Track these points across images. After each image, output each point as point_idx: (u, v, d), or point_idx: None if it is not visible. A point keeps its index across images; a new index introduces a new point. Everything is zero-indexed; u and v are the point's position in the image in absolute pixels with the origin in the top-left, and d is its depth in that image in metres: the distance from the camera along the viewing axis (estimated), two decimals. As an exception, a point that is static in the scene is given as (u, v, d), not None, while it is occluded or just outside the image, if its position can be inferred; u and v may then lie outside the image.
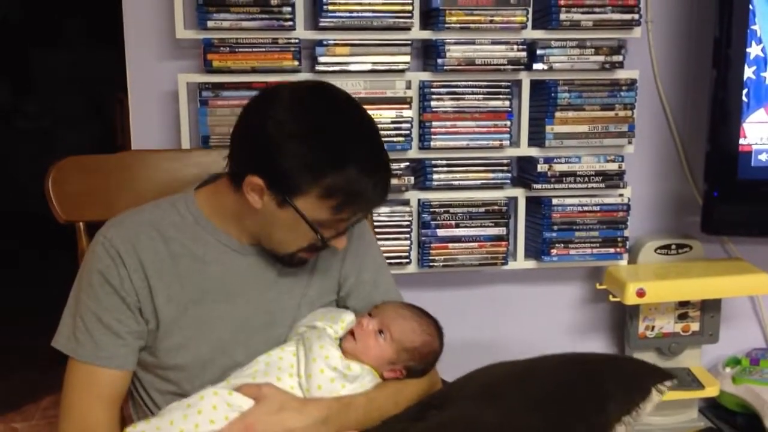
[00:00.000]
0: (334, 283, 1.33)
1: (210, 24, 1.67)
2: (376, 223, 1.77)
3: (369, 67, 1.76)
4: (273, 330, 1.26)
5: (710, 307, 1.99)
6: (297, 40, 1.72)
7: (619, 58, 1.84)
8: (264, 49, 1.71)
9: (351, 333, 1.23)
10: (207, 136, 1.71)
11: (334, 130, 1.14)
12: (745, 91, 1.76)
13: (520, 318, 2.06)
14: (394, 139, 1.78)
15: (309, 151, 1.11)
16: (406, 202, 1.85)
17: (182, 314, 1.21)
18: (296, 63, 1.72)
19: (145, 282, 1.20)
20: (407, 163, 1.82)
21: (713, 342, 2.02)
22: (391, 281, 1.39)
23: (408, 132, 1.79)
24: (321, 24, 1.72)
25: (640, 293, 1.83)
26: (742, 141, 1.77)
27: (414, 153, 1.83)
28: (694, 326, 2.01)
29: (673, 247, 1.98)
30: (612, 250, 1.91)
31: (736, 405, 1.95)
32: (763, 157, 1.79)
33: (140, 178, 1.48)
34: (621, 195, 1.90)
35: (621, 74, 1.86)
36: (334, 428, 1.15)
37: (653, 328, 1.99)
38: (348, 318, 1.25)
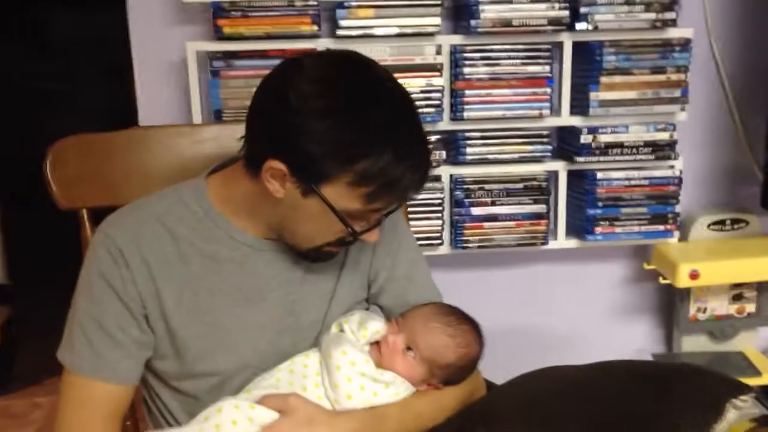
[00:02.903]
0: (365, 278, 1.19)
1: (220, -14, 1.52)
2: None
3: (395, 30, 1.60)
4: (299, 334, 1.12)
5: (767, 287, 1.83)
6: (316, 3, 1.57)
7: (672, 15, 1.66)
8: (279, 13, 1.56)
9: (377, 345, 1.09)
10: (220, 110, 1.58)
11: (369, 108, 0.98)
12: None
13: (560, 300, 1.92)
14: (424, 110, 1.63)
15: (340, 131, 0.96)
16: (438, 179, 1.71)
17: (196, 323, 1.08)
18: (315, 28, 1.57)
19: (151, 285, 1.06)
20: (438, 136, 1.67)
21: (770, 324, 1.87)
22: (427, 274, 1.24)
23: (439, 102, 1.64)
24: (342, -16, 1.57)
25: (693, 275, 1.68)
26: (810, 106, 1.60)
27: (445, 125, 1.68)
28: (750, 307, 1.85)
29: (728, 222, 1.82)
30: (662, 228, 1.75)
31: (796, 392, 1.80)
32: (834, 123, 1.62)
33: (149, 158, 1.35)
34: (672, 167, 1.74)
35: (673, 33, 1.68)
36: None
37: (705, 310, 1.84)
38: (372, 326, 1.09)
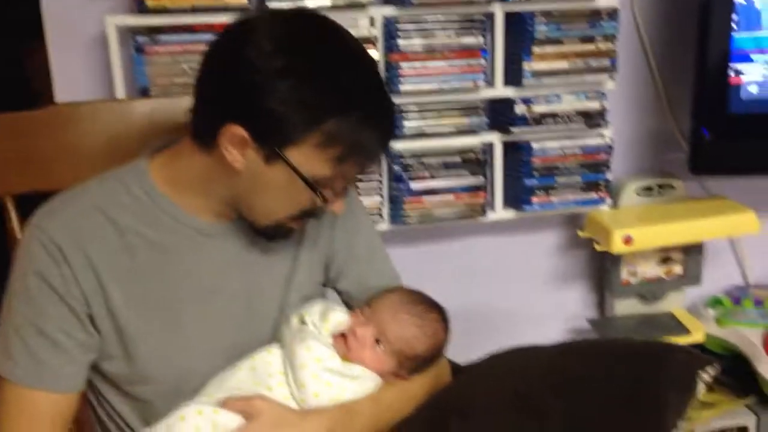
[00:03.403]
0: (322, 261, 1.14)
1: (141, -45, 1.43)
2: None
3: (328, 3, 1.55)
4: (256, 324, 1.07)
5: (693, 249, 1.90)
6: (244, -26, 1.50)
7: (599, -15, 1.68)
8: (206, -15, 1.48)
9: (343, 338, 1.04)
10: (146, 88, 1.48)
11: (336, 67, 0.92)
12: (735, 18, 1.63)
13: (498, 270, 1.93)
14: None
15: (307, 89, 0.90)
16: (374, 154, 1.68)
17: (147, 319, 1.01)
18: (244, 0, 1.50)
19: (95, 282, 0.99)
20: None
21: (696, 284, 1.94)
22: (386, 256, 1.21)
23: (374, 75, 1.60)
24: (271, -47, 1.50)
25: (627, 240, 1.72)
26: (732, 73, 1.65)
27: (382, 99, 1.64)
28: (677, 269, 1.92)
29: (656, 188, 1.88)
30: (594, 195, 1.79)
31: (722, 348, 1.88)
32: (753, 89, 1.68)
33: (77, 136, 1.26)
34: (602, 135, 1.77)
35: (601, 2, 1.70)
36: None
37: (636, 273, 1.90)
38: (335, 318, 1.05)
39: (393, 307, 1.07)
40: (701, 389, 1.07)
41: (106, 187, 1.04)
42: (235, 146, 0.94)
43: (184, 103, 1.01)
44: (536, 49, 1.66)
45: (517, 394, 1.04)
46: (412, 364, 1.08)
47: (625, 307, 1.94)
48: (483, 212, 1.74)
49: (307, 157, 0.93)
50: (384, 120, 0.98)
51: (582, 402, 1.02)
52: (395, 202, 1.69)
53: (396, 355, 1.06)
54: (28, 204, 1.10)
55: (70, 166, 1.16)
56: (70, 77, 1.54)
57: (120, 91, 1.50)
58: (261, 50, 0.91)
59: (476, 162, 1.71)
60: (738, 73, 1.66)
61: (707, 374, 1.07)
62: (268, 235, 1.04)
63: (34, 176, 1.21)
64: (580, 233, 1.84)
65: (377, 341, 1.05)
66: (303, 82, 0.91)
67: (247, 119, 0.92)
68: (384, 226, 1.71)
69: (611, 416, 1.00)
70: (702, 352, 1.84)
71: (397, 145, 1.67)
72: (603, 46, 1.70)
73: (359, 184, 1.65)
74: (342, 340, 1.04)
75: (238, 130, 0.92)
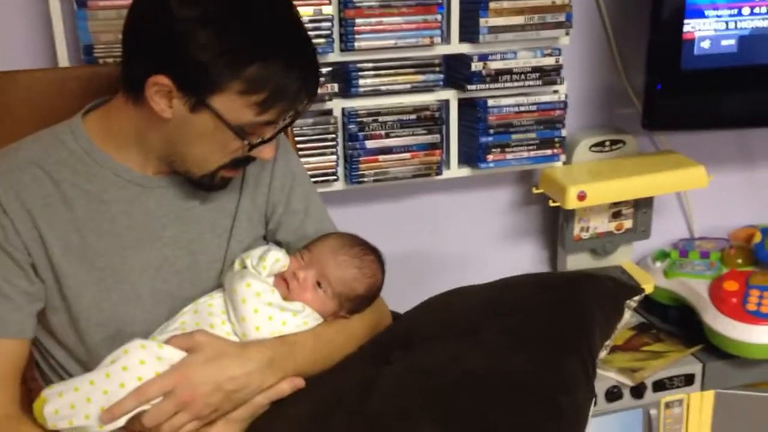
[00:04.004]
0: (262, 214, 1.16)
1: None
2: (296, 138, 1.56)
3: (279, -45, 1.49)
4: (198, 276, 1.08)
5: (643, 204, 1.94)
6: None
7: (552, -64, 1.66)
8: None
9: (284, 280, 1.06)
10: (90, 46, 1.42)
11: (254, 13, 0.93)
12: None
13: (453, 228, 1.94)
14: (314, 41, 1.53)
15: (226, 37, 0.92)
16: (329, 113, 1.64)
17: (86, 269, 1.01)
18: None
19: (35, 232, 0.99)
20: (329, 68, 1.60)
21: (645, 238, 1.99)
22: (322, 207, 1.23)
23: (329, 32, 1.57)
24: None
25: (581, 196, 1.74)
26: (685, 28, 1.66)
27: (336, 56, 1.61)
28: (627, 224, 1.96)
29: (607, 143, 1.89)
30: (549, 152, 1.79)
31: (669, 299, 1.94)
32: (705, 44, 1.70)
33: (12, 107, 1.22)
34: (556, 92, 1.77)
35: (556, -44, 1.68)
36: (281, 371, 1.00)
37: (588, 229, 1.93)
38: (272, 256, 1.07)
39: (333, 250, 1.10)
40: (627, 315, 1.14)
41: (41, 144, 1.04)
42: (162, 97, 0.95)
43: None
44: (493, 5, 1.64)
45: (454, 321, 1.09)
46: (352, 305, 1.11)
47: (576, 261, 1.97)
48: (438, 170, 1.73)
49: (231, 104, 0.95)
50: (305, 63, 0.98)
51: (514, 320, 1.07)
52: (351, 162, 1.67)
53: (336, 297, 1.08)
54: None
55: (6, 135, 1.11)
56: (6, 37, 1.46)
57: (61, 51, 1.43)
58: (180, 0, 0.92)
59: (432, 120, 1.69)
60: (691, 28, 1.67)
61: (633, 301, 1.14)
62: (205, 185, 1.05)
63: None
64: (535, 190, 1.85)
65: (318, 284, 1.07)
66: (220, 30, 0.92)
67: (171, 69, 0.93)
68: (339, 185, 1.69)
69: (542, 330, 1.05)
70: (648, 303, 1.94)
71: (352, 104, 1.64)
72: (559, 0, 1.69)
73: (313, 143, 1.63)
74: (283, 283, 1.06)
75: (163, 80, 0.93)
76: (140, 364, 0.94)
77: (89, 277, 1.01)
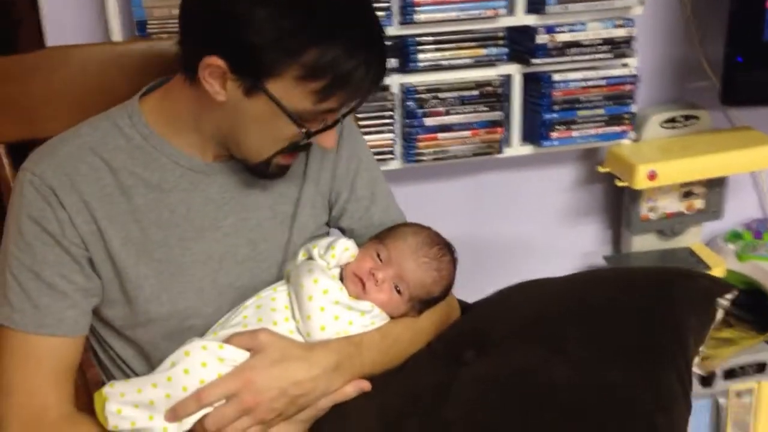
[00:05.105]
0: (326, 199, 1.10)
1: None
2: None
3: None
4: (260, 265, 1.03)
5: (716, 182, 1.84)
6: None
7: None
8: None
9: (358, 277, 0.99)
10: (144, 22, 1.38)
11: None
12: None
13: (513, 207, 1.87)
14: (372, 13, 1.48)
15: (284, 18, 0.85)
16: (386, 88, 1.58)
17: (146, 261, 0.97)
18: None
19: (93, 225, 0.95)
20: (387, 43, 1.53)
21: (717, 218, 1.89)
22: (388, 192, 1.16)
23: (387, 4, 1.49)
24: None
25: (652, 176, 1.65)
26: (770, -3, 1.55)
27: (395, 29, 1.54)
28: (699, 204, 1.86)
29: (680, 119, 1.79)
30: (618, 129, 1.70)
31: (742, 282, 1.84)
32: (791, 14, 1.58)
33: (66, 83, 1.18)
34: (626, 65, 1.67)
35: None
36: (348, 374, 0.96)
37: (656, 209, 1.83)
38: (341, 245, 1.01)
39: (412, 249, 1.02)
40: (720, 316, 1.04)
41: (98, 129, 0.99)
42: (216, 78, 0.90)
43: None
44: (560, -28, 1.55)
45: (530, 323, 1.02)
46: (424, 306, 1.05)
47: (642, 243, 1.88)
48: (500, 149, 1.66)
49: (288, 91, 0.89)
50: (370, 49, 0.90)
51: (601, 326, 0.99)
52: (408, 140, 1.61)
53: (412, 299, 1.02)
54: (21, 154, 1.04)
55: (61, 114, 1.09)
56: (61, 16, 1.43)
57: (115, 28, 1.40)
58: None
59: (494, 96, 1.62)
60: (776, -3, 1.56)
61: (726, 300, 1.05)
62: (260, 173, 1.00)
63: (25, 125, 1.14)
64: (600, 168, 1.76)
65: (396, 287, 1.00)
66: (279, 10, 0.85)
67: (225, 50, 0.88)
68: (396, 164, 1.64)
69: (634, 339, 0.97)
70: None
71: (411, 79, 1.58)
72: (631, -32, 1.59)
73: (370, 121, 1.57)
74: (356, 279, 1.00)
75: (217, 61, 0.88)
76: (202, 366, 0.91)
77: (149, 270, 0.97)
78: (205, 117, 0.96)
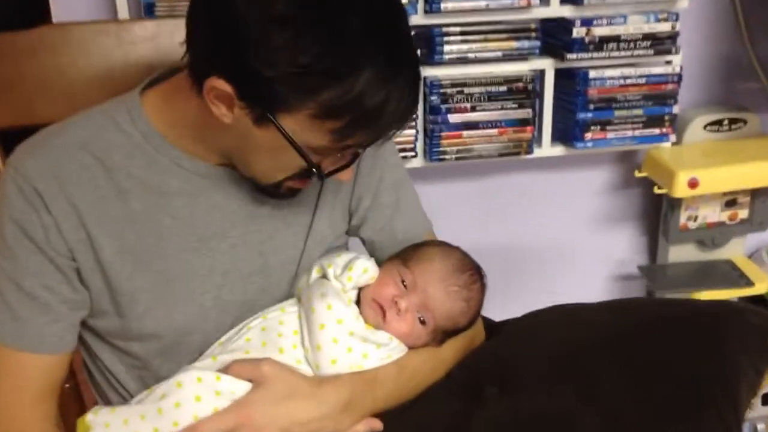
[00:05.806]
0: (346, 207, 0.99)
1: None
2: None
3: None
4: (269, 280, 0.93)
5: (762, 192, 1.71)
6: None
7: None
8: None
9: (378, 304, 0.89)
10: (151, 4, 1.32)
11: (340, 13, 0.74)
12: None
13: (542, 210, 1.77)
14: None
15: (300, 47, 0.73)
16: (409, 81, 1.49)
17: (142, 272, 0.88)
18: None
19: (82, 232, 0.86)
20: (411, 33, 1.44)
21: (762, 230, 1.77)
22: (415, 198, 1.05)
23: (411, -9, 1.41)
24: None
25: (693, 183, 1.54)
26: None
27: (419, 18, 1.45)
28: (743, 213, 1.74)
29: (726, 122, 1.67)
30: (657, 131, 1.59)
31: (786, 300, 1.72)
32: None
33: (68, 63, 1.10)
34: (669, 63, 1.56)
35: None
36: (358, 413, 0.86)
37: (696, 218, 1.72)
38: (359, 265, 0.90)
39: (440, 276, 0.92)
40: None
41: (93, 124, 0.89)
42: (221, 101, 0.79)
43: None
44: (600, -39, 1.44)
45: (560, 359, 0.92)
46: (447, 336, 0.95)
47: (679, 253, 1.77)
48: (529, 149, 1.56)
49: (303, 127, 0.77)
50: (400, 80, 0.77)
51: (639, 369, 0.89)
52: (431, 137, 1.52)
53: (435, 331, 0.92)
54: (13, 142, 0.96)
55: (60, 99, 1.02)
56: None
57: (122, 8, 1.33)
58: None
59: (524, 92, 1.52)
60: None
61: None
62: (271, 194, 0.90)
63: (18, 110, 1.06)
64: (637, 173, 1.65)
65: (420, 318, 0.90)
66: (296, 37, 0.73)
67: (233, 76, 0.76)
68: (418, 162, 1.55)
69: (675, 388, 0.86)
70: (761, 302, 1.72)
71: (436, 72, 1.49)
72: (678, -42, 1.47)
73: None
74: (375, 305, 0.90)
75: (223, 86, 0.77)
76: (196, 400, 0.82)
77: (144, 282, 0.88)
78: (210, 132, 0.85)
